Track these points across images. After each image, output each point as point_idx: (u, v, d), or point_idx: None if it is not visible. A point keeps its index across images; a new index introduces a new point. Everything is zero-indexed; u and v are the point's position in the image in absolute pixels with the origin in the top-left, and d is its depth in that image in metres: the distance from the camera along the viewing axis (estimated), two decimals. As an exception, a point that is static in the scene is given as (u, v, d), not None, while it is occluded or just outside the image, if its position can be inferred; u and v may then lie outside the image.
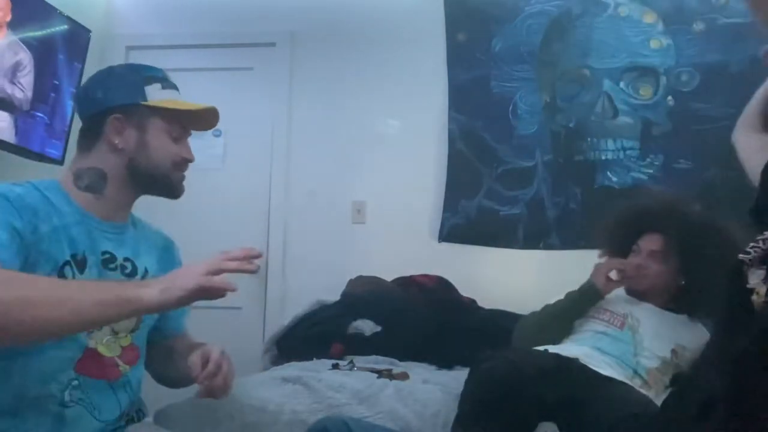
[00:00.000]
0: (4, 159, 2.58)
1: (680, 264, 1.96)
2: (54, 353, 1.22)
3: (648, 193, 2.69)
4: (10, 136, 2.55)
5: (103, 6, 3.41)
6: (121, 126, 1.34)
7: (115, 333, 1.32)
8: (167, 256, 1.49)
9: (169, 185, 1.40)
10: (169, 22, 3.40)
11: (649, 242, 2.01)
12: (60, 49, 2.76)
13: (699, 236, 1.89)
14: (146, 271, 1.40)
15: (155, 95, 1.37)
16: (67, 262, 1.24)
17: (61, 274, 1.23)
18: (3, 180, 1.29)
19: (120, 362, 1.33)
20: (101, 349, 1.30)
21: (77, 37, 2.86)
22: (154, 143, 1.36)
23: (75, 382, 1.25)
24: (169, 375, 1.48)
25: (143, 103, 1.35)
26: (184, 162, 1.41)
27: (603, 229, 2.16)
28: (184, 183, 1.43)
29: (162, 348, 1.49)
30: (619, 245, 2.08)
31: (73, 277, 1.25)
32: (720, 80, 2.85)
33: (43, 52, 2.66)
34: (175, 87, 1.42)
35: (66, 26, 2.79)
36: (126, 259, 1.37)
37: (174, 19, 3.39)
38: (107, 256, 1.33)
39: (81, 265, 1.27)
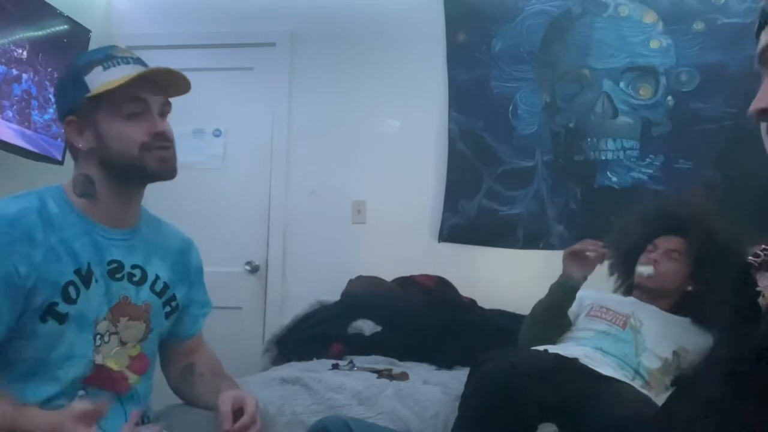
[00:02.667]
0: (5, 159, 2.59)
1: (694, 269, 1.95)
2: (63, 372, 1.21)
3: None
4: (15, 138, 2.55)
5: (103, 6, 3.40)
6: (78, 127, 1.26)
7: (123, 343, 1.29)
8: (182, 260, 1.44)
9: (143, 169, 1.26)
10: (169, 22, 3.39)
11: (668, 242, 2.00)
12: (60, 49, 2.76)
13: (720, 247, 1.86)
14: (157, 277, 1.35)
15: (96, 81, 1.23)
16: (69, 282, 1.20)
17: (66, 294, 1.19)
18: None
19: (129, 373, 1.30)
20: (110, 363, 1.26)
21: (77, 37, 2.85)
22: (109, 133, 1.24)
23: (82, 393, 1.23)
24: (186, 392, 1.45)
25: (86, 96, 1.23)
26: (156, 138, 1.25)
27: (619, 225, 2.14)
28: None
29: (179, 353, 1.46)
30: (633, 242, 2.06)
31: (78, 295, 1.21)
32: (720, 80, 2.85)
33: (43, 52, 2.66)
34: (123, 60, 1.25)
35: (66, 26, 2.79)
36: (135, 267, 1.32)
37: (174, 19, 3.39)
38: (114, 265, 1.28)
39: (87, 279, 1.23)
